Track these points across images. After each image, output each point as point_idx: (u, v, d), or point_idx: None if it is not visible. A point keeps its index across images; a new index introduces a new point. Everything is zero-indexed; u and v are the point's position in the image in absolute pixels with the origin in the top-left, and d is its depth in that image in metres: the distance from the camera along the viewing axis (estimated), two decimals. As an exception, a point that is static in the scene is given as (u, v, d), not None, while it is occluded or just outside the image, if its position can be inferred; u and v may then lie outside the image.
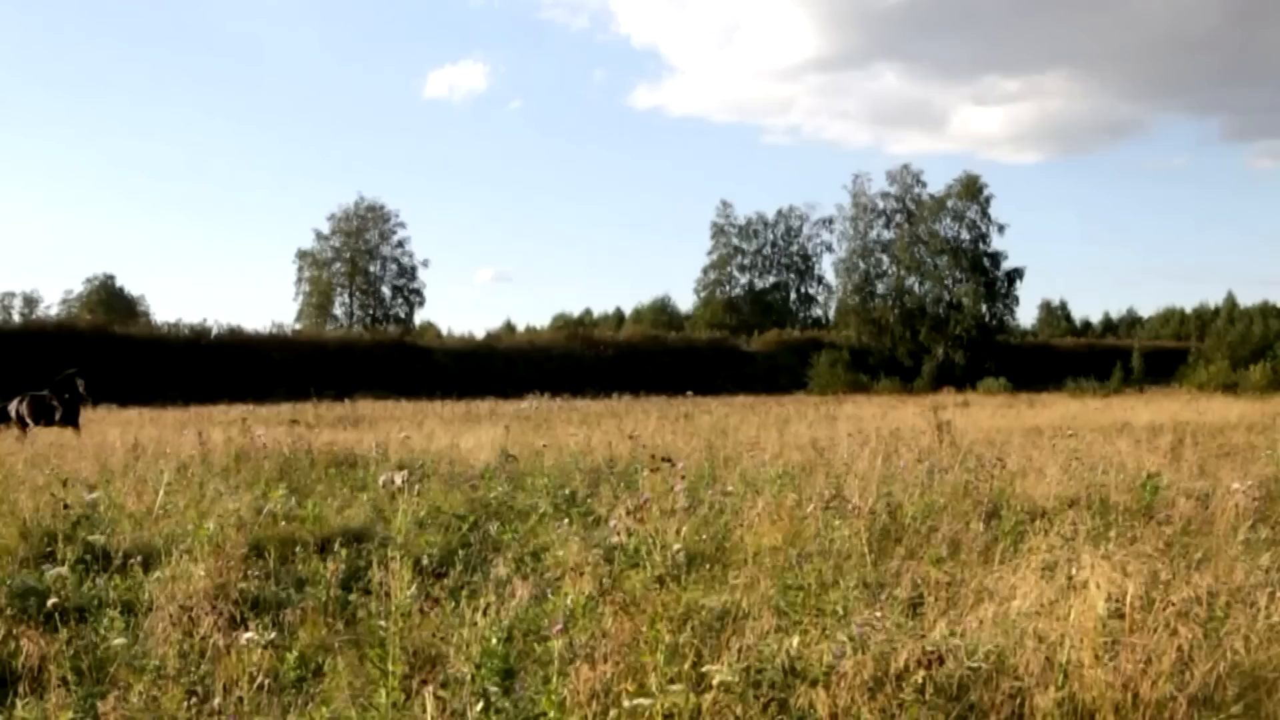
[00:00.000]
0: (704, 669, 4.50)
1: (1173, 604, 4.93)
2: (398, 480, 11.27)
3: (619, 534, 7.59)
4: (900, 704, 4.27)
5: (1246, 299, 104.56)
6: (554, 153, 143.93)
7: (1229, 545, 7.94)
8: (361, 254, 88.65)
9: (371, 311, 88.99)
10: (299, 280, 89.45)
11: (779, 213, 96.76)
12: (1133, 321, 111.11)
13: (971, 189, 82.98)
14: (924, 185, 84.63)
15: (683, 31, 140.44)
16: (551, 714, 4.28)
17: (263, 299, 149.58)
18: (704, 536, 9.42)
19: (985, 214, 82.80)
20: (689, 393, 45.28)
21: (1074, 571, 5.33)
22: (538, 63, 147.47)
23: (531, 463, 15.27)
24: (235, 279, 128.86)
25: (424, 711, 4.62)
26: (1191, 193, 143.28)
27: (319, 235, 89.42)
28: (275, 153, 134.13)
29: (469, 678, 4.87)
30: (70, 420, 25.19)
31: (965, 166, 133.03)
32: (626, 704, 4.20)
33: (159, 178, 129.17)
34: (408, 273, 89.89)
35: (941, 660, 4.35)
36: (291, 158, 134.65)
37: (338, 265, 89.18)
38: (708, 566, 8.45)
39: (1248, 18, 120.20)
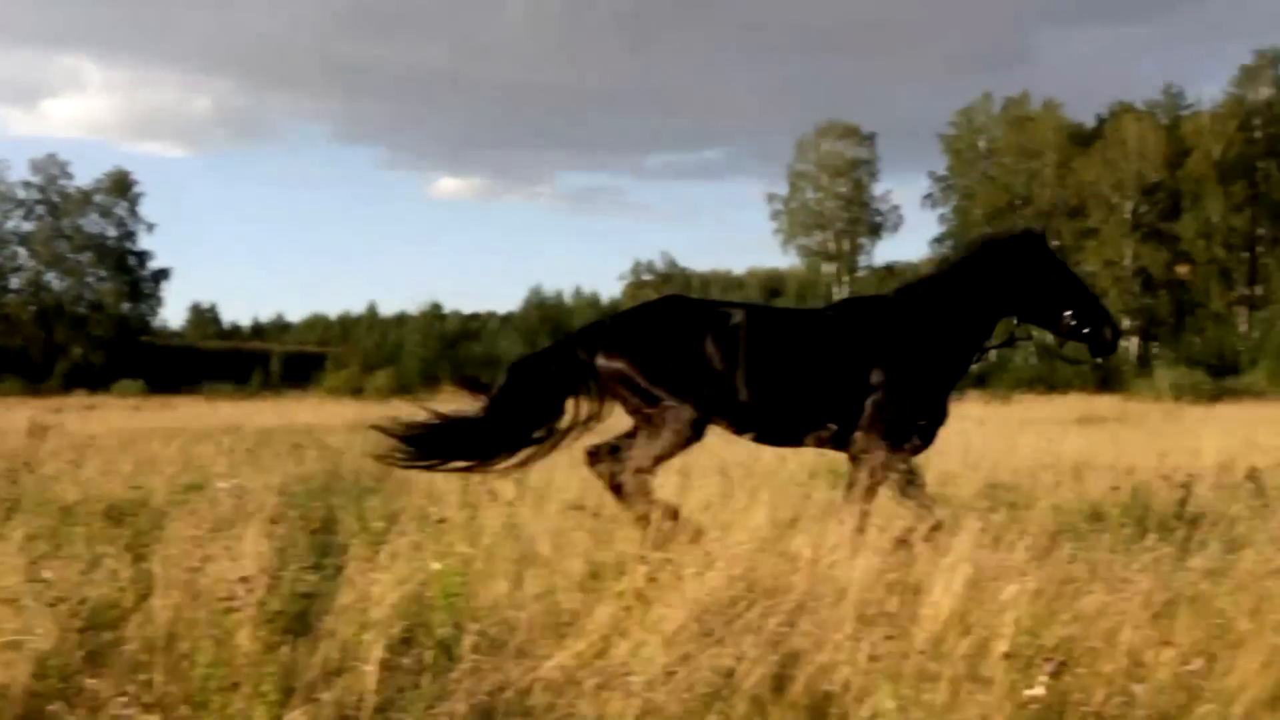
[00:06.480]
0: None
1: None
2: None
3: None
4: None
5: (389, 308, 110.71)
6: None
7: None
8: None
9: None
10: None
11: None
12: (282, 326, 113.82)
13: (121, 185, 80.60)
14: (71, 177, 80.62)
15: None
16: None
17: None
18: None
19: (134, 211, 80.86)
20: None
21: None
22: None
23: None
24: None
25: None
26: (331, 198, 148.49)
27: None
28: None
29: None
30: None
31: (114, 156, 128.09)
32: None
33: None
34: None
35: None
36: None
37: None
38: None
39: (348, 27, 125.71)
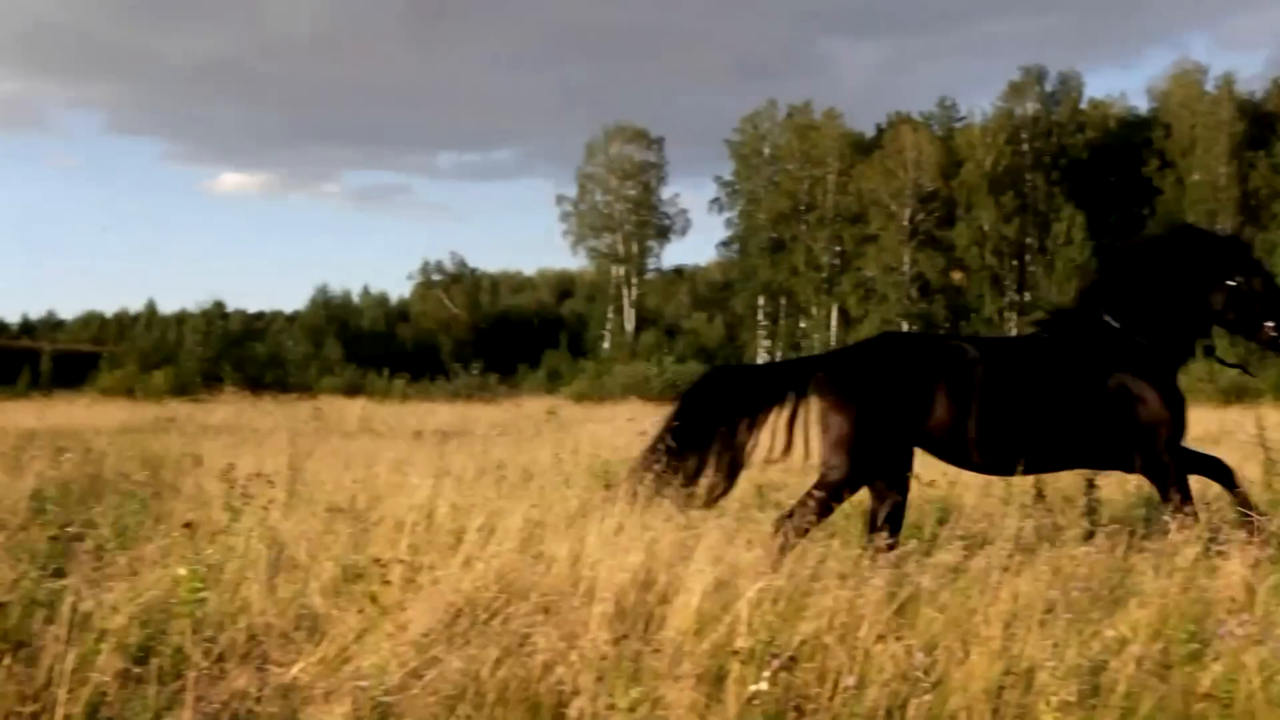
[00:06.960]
0: None
1: None
2: None
3: None
4: None
5: (169, 306, 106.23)
6: None
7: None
8: None
9: None
10: None
11: None
12: (54, 323, 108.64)
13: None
14: None
15: None
16: None
17: None
18: None
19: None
20: None
21: None
22: None
23: None
24: None
25: None
26: (108, 190, 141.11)
27: None
28: None
29: None
30: None
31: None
32: None
33: None
34: None
35: None
36: None
37: None
38: None
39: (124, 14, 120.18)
